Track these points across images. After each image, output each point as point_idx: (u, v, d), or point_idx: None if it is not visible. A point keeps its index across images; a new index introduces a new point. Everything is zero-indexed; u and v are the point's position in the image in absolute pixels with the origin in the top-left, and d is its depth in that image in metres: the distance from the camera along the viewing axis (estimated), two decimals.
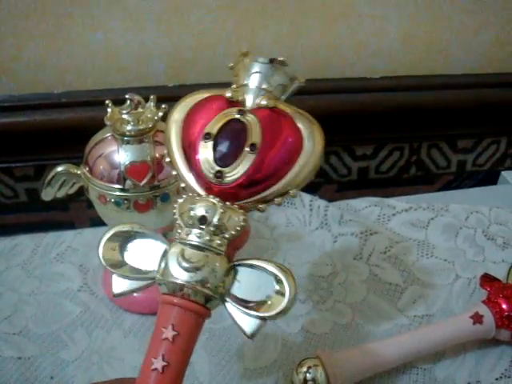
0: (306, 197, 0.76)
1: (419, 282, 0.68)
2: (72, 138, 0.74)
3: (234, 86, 0.45)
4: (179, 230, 0.41)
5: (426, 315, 0.64)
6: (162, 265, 0.40)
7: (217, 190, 0.42)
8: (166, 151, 0.45)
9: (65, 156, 0.74)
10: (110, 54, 0.78)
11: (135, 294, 0.51)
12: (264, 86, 0.44)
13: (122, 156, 0.54)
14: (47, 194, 0.59)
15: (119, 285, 0.42)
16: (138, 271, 0.42)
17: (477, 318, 0.58)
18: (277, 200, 0.43)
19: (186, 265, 0.39)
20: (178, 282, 0.39)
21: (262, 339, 0.60)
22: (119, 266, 0.42)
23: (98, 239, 0.71)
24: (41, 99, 0.76)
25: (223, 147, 0.42)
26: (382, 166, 0.92)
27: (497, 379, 0.58)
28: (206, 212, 0.40)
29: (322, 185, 0.92)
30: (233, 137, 0.42)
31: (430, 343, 0.57)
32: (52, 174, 0.58)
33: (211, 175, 0.42)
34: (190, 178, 0.43)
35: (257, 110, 0.43)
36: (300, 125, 0.44)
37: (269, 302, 0.40)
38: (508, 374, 0.58)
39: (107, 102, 0.55)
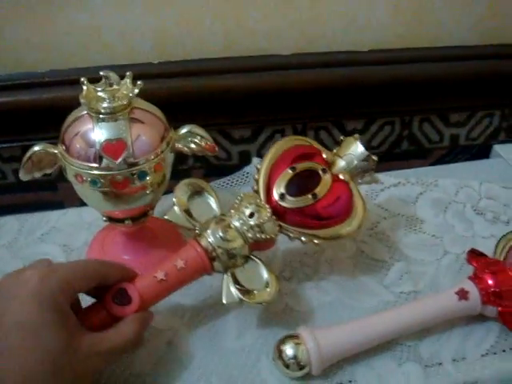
0: None
1: (406, 257, 0.67)
2: (58, 118, 0.73)
3: (334, 151, 0.63)
4: (233, 210, 0.57)
5: (413, 291, 0.63)
6: (206, 225, 0.56)
7: (274, 204, 0.58)
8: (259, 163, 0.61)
9: (51, 135, 0.73)
10: (94, 32, 0.77)
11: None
12: (351, 167, 0.61)
13: (98, 134, 0.53)
14: (25, 175, 0.58)
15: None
16: (190, 217, 0.57)
17: (462, 294, 0.57)
18: (304, 239, 0.58)
19: (222, 235, 0.54)
20: (212, 242, 0.54)
21: (246, 317, 0.60)
22: (182, 206, 0.57)
23: (82, 219, 0.71)
24: (25, 78, 0.75)
25: (299, 182, 0.59)
26: (373, 140, 0.90)
27: (482, 355, 0.57)
28: (257, 212, 0.56)
29: None
30: (307, 180, 0.59)
31: (415, 320, 0.57)
32: (29, 153, 0.57)
33: (277, 194, 0.58)
34: (263, 186, 0.59)
35: (335, 176, 0.60)
36: (354, 200, 0.60)
37: (255, 292, 0.54)
38: (494, 351, 0.57)
39: (82, 79, 0.54)
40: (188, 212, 0.57)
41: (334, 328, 0.56)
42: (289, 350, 0.53)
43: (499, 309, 0.57)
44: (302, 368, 0.53)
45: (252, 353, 0.57)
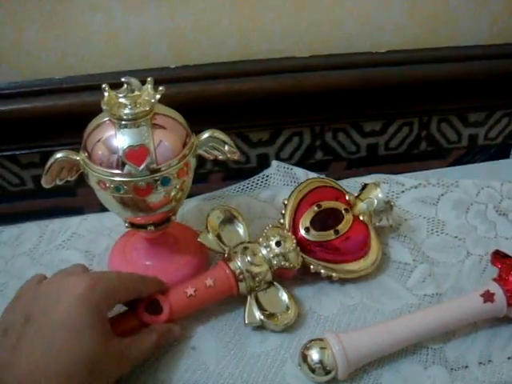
0: (314, 175, 0.75)
1: (429, 260, 0.66)
2: (76, 124, 0.73)
3: (353, 195, 0.67)
4: (261, 239, 0.61)
5: (436, 294, 0.62)
6: (236, 250, 0.60)
7: (299, 236, 0.63)
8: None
9: (69, 141, 0.73)
10: (110, 37, 0.77)
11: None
12: (371, 209, 0.66)
13: (120, 140, 0.53)
14: (47, 182, 0.58)
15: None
16: (220, 241, 0.62)
17: (487, 297, 0.57)
18: (323, 272, 0.62)
19: (249, 260, 0.59)
20: (240, 265, 0.59)
21: None
22: (213, 231, 0.62)
23: (102, 225, 0.71)
24: (42, 85, 0.75)
25: (322, 219, 0.64)
26: (392, 141, 0.90)
27: (509, 358, 0.56)
28: (283, 241, 0.61)
29: (331, 162, 0.91)
30: (330, 218, 0.64)
31: (440, 323, 0.57)
32: (51, 160, 0.57)
33: (303, 227, 0.63)
34: (288, 220, 0.64)
35: (356, 216, 0.65)
36: (371, 240, 0.65)
37: (278, 316, 0.59)
38: None
39: (104, 85, 0.54)
40: (219, 236, 0.62)
41: (359, 332, 0.56)
42: (314, 354, 0.53)
43: None
44: (328, 372, 0.53)
45: (277, 357, 0.57)
